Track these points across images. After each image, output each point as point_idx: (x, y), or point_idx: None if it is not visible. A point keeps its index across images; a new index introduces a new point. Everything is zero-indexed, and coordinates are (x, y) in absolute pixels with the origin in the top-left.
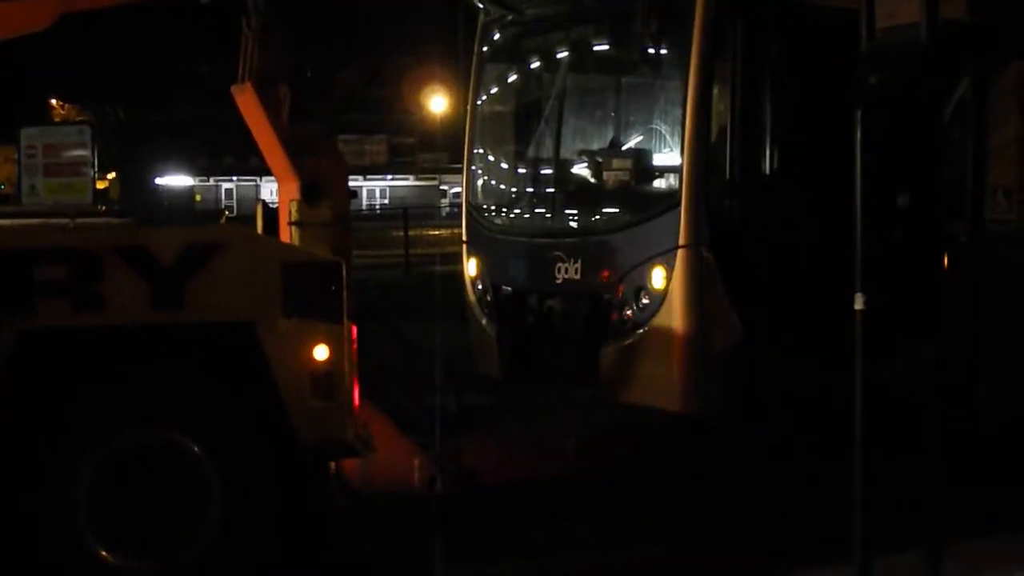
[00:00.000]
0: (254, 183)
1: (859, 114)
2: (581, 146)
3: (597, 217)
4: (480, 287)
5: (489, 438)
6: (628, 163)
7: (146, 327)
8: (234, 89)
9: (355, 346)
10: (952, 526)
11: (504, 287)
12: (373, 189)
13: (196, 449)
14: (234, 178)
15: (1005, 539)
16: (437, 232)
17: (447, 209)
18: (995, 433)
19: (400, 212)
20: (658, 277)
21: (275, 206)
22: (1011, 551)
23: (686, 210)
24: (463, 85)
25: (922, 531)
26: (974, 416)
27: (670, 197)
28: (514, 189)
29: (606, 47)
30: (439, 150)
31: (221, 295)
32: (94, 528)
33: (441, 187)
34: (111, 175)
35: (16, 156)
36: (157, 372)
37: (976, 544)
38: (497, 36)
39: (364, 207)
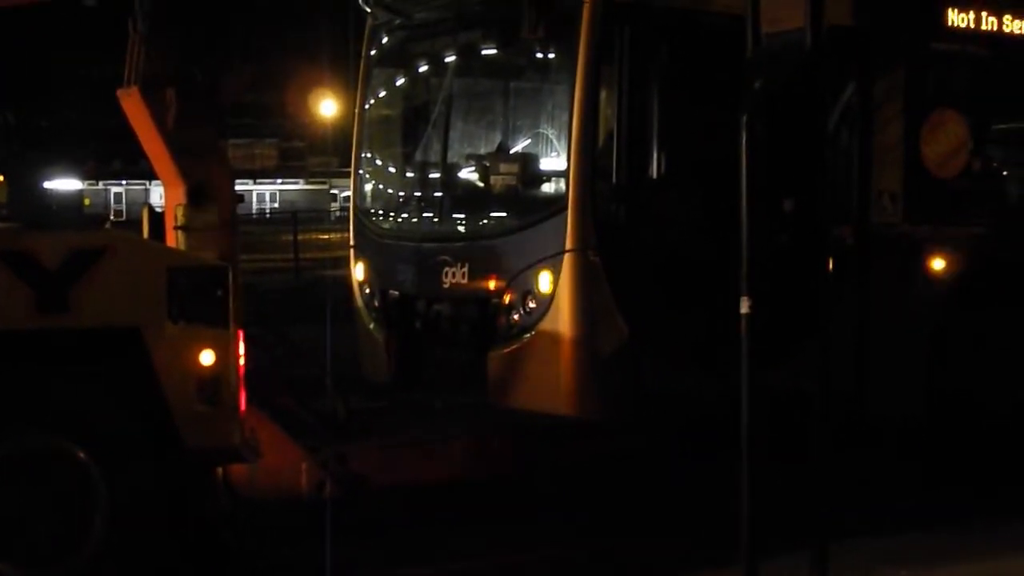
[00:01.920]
0: (143, 187)
1: (745, 119)
2: (469, 150)
3: (484, 221)
4: (368, 291)
5: (377, 442)
6: (515, 167)
7: (30, 332)
8: (120, 93)
9: (242, 351)
10: (839, 527)
11: (392, 291)
12: (263, 193)
13: (81, 455)
14: (123, 182)
15: (891, 539)
16: (327, 236)
17: (337, 213)
18: (882, 435)
19: (290, 216)
20: (545, 281)
21: (162, 210)
22: (898, 551)
23: (573, 214)
24: (352, 89)
25: (809, 533)
26: (861, 418)
27: (557, 201)
28: (402, 193)
29: (493, 52)
30: (329, 154)
31: (106, 300)
32: None
33: (331, 191)
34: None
35: None
36: (42, 377)
37: (863, 545)
38: (385, 40)
39: (254, 211)
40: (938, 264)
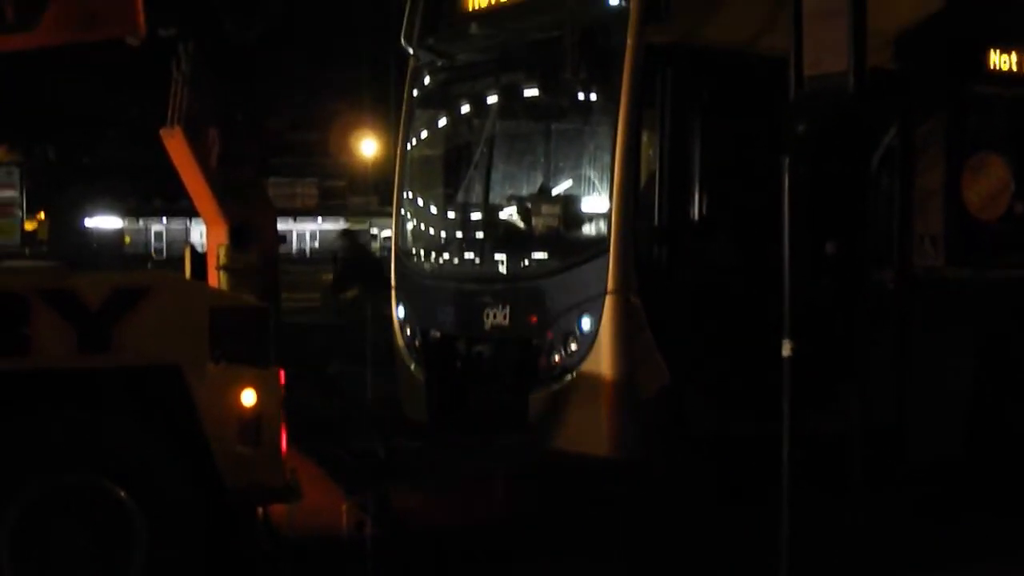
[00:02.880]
0: (184, 225)
1: (787, 161)
2: (510, 191)
3: (526, 262)
4: (409, 332)
5: (418, 482)
6: (557, 209)
7: (73, 371)
8: (163, 132)
9: (283, 391)
10: (879, 565)
11: (433, 332)
12: (303, 232)
13: (122, 494)
14: (164, 220)
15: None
16: None
17: (378, 253)
18: (922, 476)
19: (330, 255)
20: (586, 323)
21: (204, 250)
22: None
23: (614, 256)
24: (394, 129)
25: (850, 572)
26: (902, 459)
27: (599, 243)
28: (443, 234)
29: (536, 93)
30: (369, 193)
31: (148, 339)
32: (19, 572)
33: (371, 230)
34: (40, 216)
35: None
36: (84, 416)
37: None
38: (427, 81)
39: (294, 250)
40: (980, 306)
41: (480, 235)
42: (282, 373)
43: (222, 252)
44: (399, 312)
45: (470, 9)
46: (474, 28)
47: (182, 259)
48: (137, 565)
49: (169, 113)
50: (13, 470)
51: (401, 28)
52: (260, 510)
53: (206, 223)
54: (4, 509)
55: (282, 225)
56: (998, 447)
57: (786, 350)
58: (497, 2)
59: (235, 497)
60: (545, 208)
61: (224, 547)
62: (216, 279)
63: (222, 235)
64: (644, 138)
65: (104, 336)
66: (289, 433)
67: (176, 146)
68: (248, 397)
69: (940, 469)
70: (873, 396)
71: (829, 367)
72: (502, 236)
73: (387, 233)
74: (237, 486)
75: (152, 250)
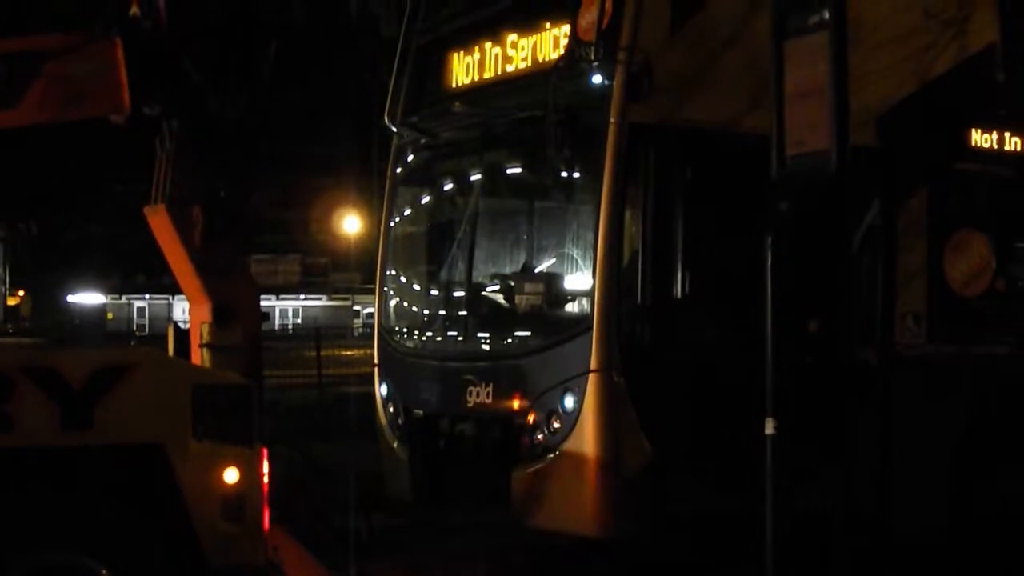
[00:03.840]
0: (167, 301)
1: (770, 240)
2: (493, 269)
3: (509, 341)
4: (392, 410)
5: (401, 560)
6: (540, 287)
7: (55, 449)
8: (147, 210)
9: (266, 469)
10: None
11: (416, 410)
12: (286, 308)
13: (104, 572)
14: (147, 297)
15: None
16: (350, 352)
17: (360, 329)
18: (905, 555)
19: (313, 332)
20: (569, 401)
21: (187, 327)
22: None
23: (598, 334)
24: (377, 206)
25: None
26: (885, 538)
27: (582, 321)
28: (426, 311)
29: (519, 171)
30: (352, 270)
31: (131, 417)
32: None
33: (354, 307)
34: (22, 292)
35: None
36: (65, 494)
37: None
38: (411, 158)
39: (277, 327)
40: (963, 383)
41: (463, 313)
42: (265, 451)
43: (205, 329)
44: (382, 390)
45: (453, 87)
46: (457, 106)
47: (165, 336)
48: None
49: (153, 191)
50: None
51: (385, 106)
52: None
53: (189, 300)
54: None
55: (264, 302)
56: (982, 523)
57: (769, 428)
58: (480, 81)
59: (217, 575)
60: (528, 286)
61: None
62: (199, 356)
63: (205, 312)
64: (627, 216)
65: (87, 414)
66: (272, 511)
67: (159, 224)
68: (231, 475)
69: (923, 550)
70: (856, 474)
71: (812, 445)
72: (485, 314)
73: (370, 310)
74: (220, 564)
75: (135, 326)
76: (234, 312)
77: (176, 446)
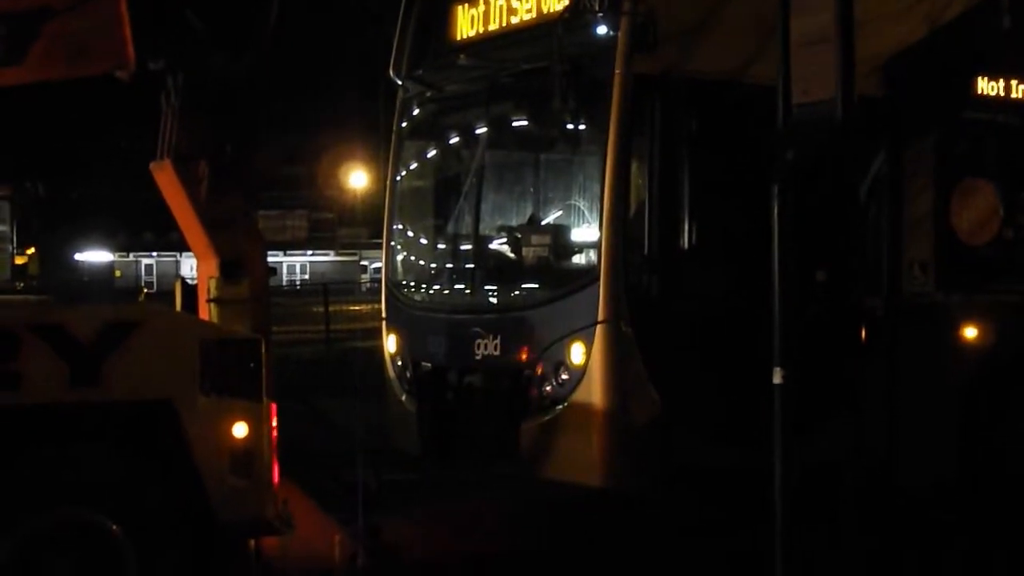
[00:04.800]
0: (174, 259)
1: (777, 189)
2: (500, 222)
3: (516, 293)
4: (400, 363)
5: (410, 514)
6: (547, 239)
7: (63, 406)
8: (153, 166)
9: (274, 423)
10: None
11: (424, 363)
12: (293, 265)
13: (113, 527)
14: (154, 254)
15: None
16: (357, 307)
17: (367, 284)
18: (913, 504)
19: (320, 288)
20: (577, 353)
21: (194, 283)
22: None
23: (605, 285)
24: (383, 160)
25: None
26: (893, 489)
27: (589, 272)
28: (433, 265)
29: (524, 124)
30: (359, 225)
31: (139, 373)
32: None
33: (361, 262)
34: (30, 251)
35: None
36: (74, 451)
37: None
38: (416, 112)
39: (284, 283)
40: (970, 332)
41: (470, 265)
42: (273, 406)
43: (213, 285)
44: (390, 343)
45: (458, 40)
46: (462, 59)
47: (172, 292)
48: None
49: (159, 147)
50: (5, 505)
51: (390, 59)
52: (252, 542)
53: (196, 256)
54: None
55: (272, 258)
56: (989, 473)
57: (777, 377)
58: (485, 33)
59: (227, 530)
60: (535, 238)
61: None
62: (207, 312)
63: (212, 268)
64: (633, 167)
65: (95, 370)
66: (281, 466)
67: (165, 179)
68: (239, 430)
69: (931, 498)
70: (864, 424)
71: (820, 395)
72: (492, 266)
73: (377, 265)
74: (229, 519)
75: (143, 283)
76: (241, 267)
77: (184, 401)
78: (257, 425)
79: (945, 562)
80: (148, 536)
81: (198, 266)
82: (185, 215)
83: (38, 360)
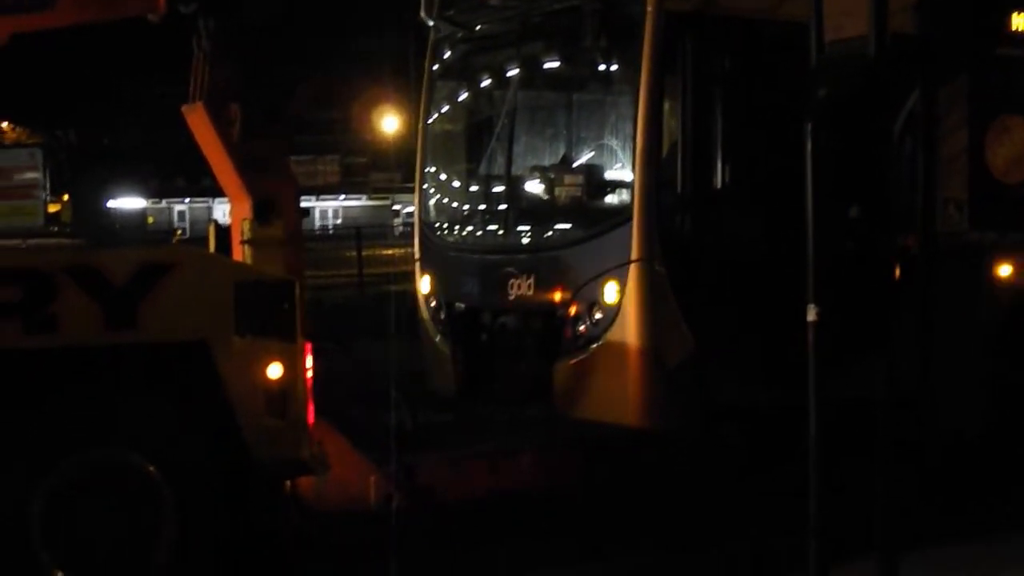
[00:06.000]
0: (207, 205)
1: (810, 127)
2: (533, 162)
3: (549, 233)
4: (433, 304)
5: (445, 455)
6: (580, 179)
7: (99, 347)
8: (185, 109)
9: (309, 364)
10: (906, 536)
11: (457, 304)
12: (326, 209)
13: (151, 469)
14: (186, 200)
15: (958, 548)
16: (390, 251)
17: (400, 229)
18: (947, 444)
19: (353, 232)
20: (611, 292)
21: (228, 225)
22: (964, 559)
23: (638, 225)
24: (415, 104)
25: (877, 542)
26: (927, 426)
27: (622, 212)
28: (466, 206)
29: (556, 64)
30: (391, 170)
31: (174, 315)
32: (50, 548)
33: (394, 207)
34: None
35: None
36: (111, 392)
37: (931, 553)
38: (448, 54)
39: (317, 227)
40: (1004, 270)
41: (503, 206)
42: (308, 346)
43: (246, 226)
44: (423, 284)
45: None
46: None
47: (204, 238)
48: (166, 538)
49: (191, 90)
50: (42, 448)
51: (421, 1)
52: (287, 483)
53: (230, 198)
54: (35, 487)
55: (304, 203)
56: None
57: (811, 315)
58: None
59: (262, 470)
60: (568, 178)
61: (252, 521)
62: (240, 254)
63: (246, 210)
64: (666, 107)
65: (130, 312)
66: (316, 406)
67: (198, 122)
68: (274, 370)
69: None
70: (898, 363)
71: (854, 334)
72: (525, 207)
73: (409, 209)
74: (264, 459)
75: (175, 228)
76: (274, 208)
77: (219, 342)
78: (291, 365)
79: (976, 501)
80: (184, 477)
81: (231, 208)
82: (218, 157)
83: (74, 302)
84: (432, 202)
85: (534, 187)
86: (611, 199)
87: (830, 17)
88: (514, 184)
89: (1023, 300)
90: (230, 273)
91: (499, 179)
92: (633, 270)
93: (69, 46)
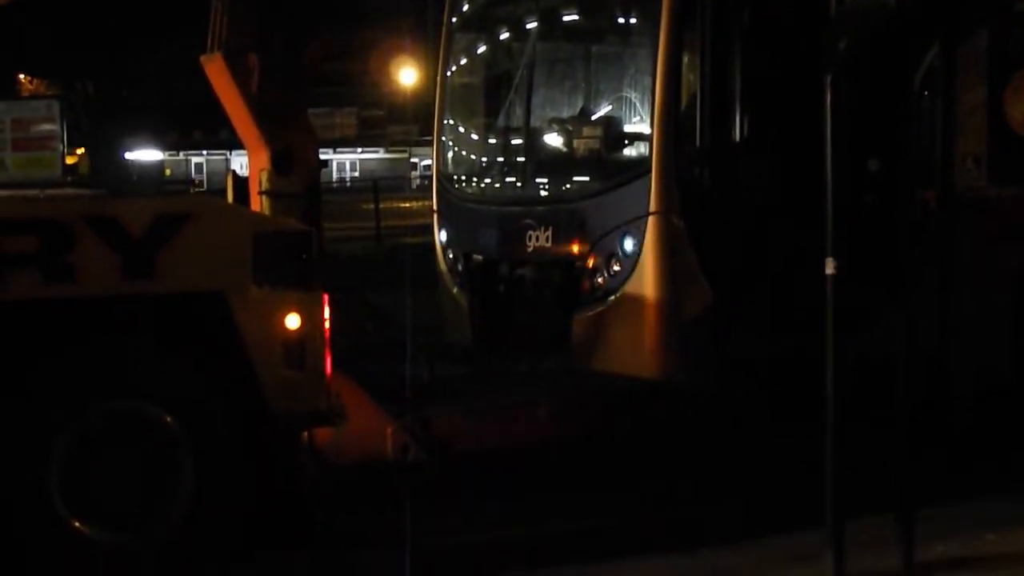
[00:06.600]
0: (224, 157)
1: (829, 79)
2: (551, 115)
3: (568, 185)
4: (451, 256)
5: (461, 407)
6: (598, 131)
7: (117, 298)
8: (203, 59)
9: (327, 315)
10: (924, 491)
11: (475, 256)
12: (343, 162)
13: (168, 419)
14: (204, 153)
15: (978, 504)
16: (408, 204)
17: (417, 181)
18: (966, 399)
19: (371, 185)
20: (629, 244)
21: (246, 176)
22: (984, 516)
23: (656, 177)
24: (433, 57)
25: (894, 496)
26: (945, 383)
27: (640, 164)
28: (484, 158)
29: (576, 16)
30: (409, 122)
31: (192, 265)
32: (68, 500)
33: (411, 160)
34: (80, 150)
35: None
36: (129, 343)
37: (949, 509)
38: (466, 6)
39: (334, 180)
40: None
41: (521, 158)
42: (326, 297)
43: (264, 177)
44: (441, 236)
45: None
46: None
47: (222, 191)
48: (184, 491)
49: (209, 40)
50: (60, 398)
51: None
52: (305, 434)
53: (248, 149)
54: (53, 437)
55: (322, 155)
56: None
57: (829, 268)
58: None
59: (280, 421)
60: (586, 130)
61: (270, 472)
62: (258, 204)
63: (264, 161)
64: (685, 59)
65: (148, 262)
66: (333, 357)
67: (216, 72)
68: (292, 321)
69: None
70: (917, 318)
71: (872, 288)
72: (543, 159)
73: (427, 162)
74: (282, 410)
75: (193, 180)
76: (293, 158)
77: (237, 293)
78: (309, 316)
79: (995, 458)
80: (202, 428)
81: (249, 159)
82: (236, 108)
83: (92, 252)
84: (450, 155)
85: (552, 139)
86: (629, 151)
87: None
88: (532, 136)
89: None
90: (248, 223)
91: (517, 131)
92: (651, 222)
93: None
